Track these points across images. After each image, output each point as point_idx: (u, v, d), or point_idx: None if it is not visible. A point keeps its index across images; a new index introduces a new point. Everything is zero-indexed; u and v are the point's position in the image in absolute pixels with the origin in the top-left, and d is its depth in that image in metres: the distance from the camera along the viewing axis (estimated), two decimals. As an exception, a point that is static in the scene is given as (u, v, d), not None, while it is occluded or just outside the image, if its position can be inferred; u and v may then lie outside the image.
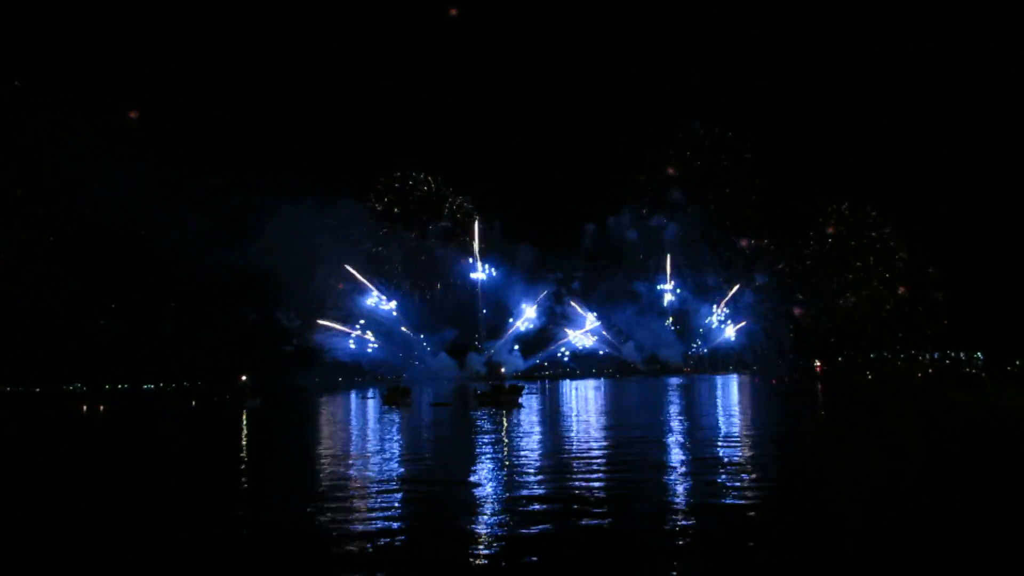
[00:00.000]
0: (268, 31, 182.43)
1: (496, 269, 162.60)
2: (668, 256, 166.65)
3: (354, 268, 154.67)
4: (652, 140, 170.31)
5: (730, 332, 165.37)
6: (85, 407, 78.69)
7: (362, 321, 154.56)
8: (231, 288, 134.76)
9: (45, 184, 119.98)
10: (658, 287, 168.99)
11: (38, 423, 51.25)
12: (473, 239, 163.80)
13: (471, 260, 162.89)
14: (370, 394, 79.93)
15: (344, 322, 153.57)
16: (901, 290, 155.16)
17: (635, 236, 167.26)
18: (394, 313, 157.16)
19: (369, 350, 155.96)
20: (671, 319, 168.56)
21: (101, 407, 78.24)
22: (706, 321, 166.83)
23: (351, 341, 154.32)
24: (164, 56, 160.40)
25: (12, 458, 28.85)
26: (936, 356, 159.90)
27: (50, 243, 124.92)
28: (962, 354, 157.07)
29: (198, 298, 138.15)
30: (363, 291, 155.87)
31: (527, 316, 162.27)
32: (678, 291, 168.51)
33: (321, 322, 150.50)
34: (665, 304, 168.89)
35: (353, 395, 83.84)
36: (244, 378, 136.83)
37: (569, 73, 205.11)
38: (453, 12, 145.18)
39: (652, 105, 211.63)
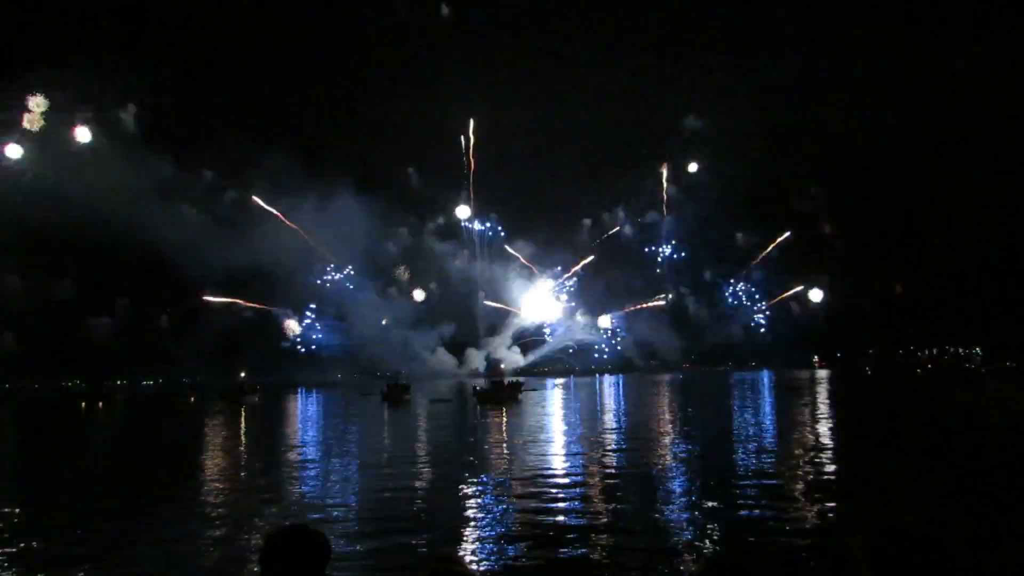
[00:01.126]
0: (266, 29, 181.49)
1: (495, 225, 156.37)
2: (665, 202, 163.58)
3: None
4: (649, 137, 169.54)
5: (757, 315, 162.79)
6: (84, 404, 78.61)
7: (312, 305, 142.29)
8: (229, 284, 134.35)
9: (43, 181, 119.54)
10: (648, 249, 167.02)
11: (37, 420, 51.12)
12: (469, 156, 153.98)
13: (460, 211, 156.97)
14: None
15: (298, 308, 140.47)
16: (899, 288, 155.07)
17: (631, 233, 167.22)
18: (350, 286, 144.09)
19: (314, 342, 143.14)
20: (669, 296, 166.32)
21: (100, 404, 78.15)
22: (727, 293, 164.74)
23: (294, 328, 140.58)
24: (160, 53, 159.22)
25: (10, 457, 28.70)
26: (935, 352, 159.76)
27: (49, 241, 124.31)
28: (960, 350, 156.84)
29: (196, 295, 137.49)
30: (317, 263, 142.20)
31: (526, 313, 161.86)
32: (682, 254, 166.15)
33: (206, 298, 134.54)
34: (660, 260, 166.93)
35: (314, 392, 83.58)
36: (243, 374, 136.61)
37: (566, 71, 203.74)
38: (446, 12, 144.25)
39: (650, 102, 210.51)
